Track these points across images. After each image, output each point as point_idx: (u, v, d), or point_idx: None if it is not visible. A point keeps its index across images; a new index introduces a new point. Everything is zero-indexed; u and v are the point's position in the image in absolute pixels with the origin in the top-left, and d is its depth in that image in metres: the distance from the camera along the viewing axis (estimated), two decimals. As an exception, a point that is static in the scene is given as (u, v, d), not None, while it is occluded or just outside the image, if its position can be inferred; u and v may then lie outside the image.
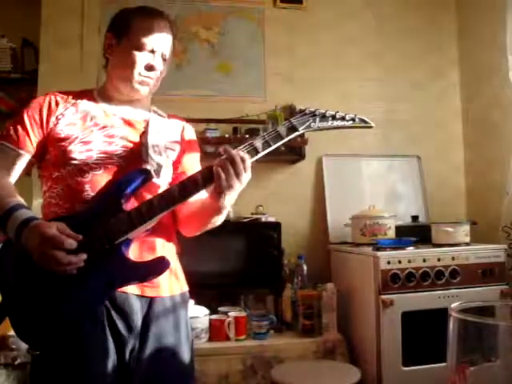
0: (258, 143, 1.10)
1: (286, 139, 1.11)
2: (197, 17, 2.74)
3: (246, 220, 2.46)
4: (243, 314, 2.20)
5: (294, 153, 2.62)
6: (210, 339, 2.14)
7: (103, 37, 1.30)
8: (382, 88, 2.89)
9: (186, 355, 1.23)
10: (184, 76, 2.67)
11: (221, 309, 2.28)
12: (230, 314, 2.18)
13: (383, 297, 2.06)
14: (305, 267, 2.34)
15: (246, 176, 1.07)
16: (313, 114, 1.13)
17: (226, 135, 2.54)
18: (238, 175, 1.05)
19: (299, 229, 2.69)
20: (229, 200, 1.11)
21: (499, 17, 2.55)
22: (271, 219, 2.49)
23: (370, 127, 1.16)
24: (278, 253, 2.38)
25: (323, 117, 1.13)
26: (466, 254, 2.19)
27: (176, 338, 1.21)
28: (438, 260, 2.15)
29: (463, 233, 2.29)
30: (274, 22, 2.81)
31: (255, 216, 2.49)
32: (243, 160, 1.06)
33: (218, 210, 1.16)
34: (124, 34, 1.23)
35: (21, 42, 2.58)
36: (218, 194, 1.08)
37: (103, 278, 1.08)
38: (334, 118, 1.13)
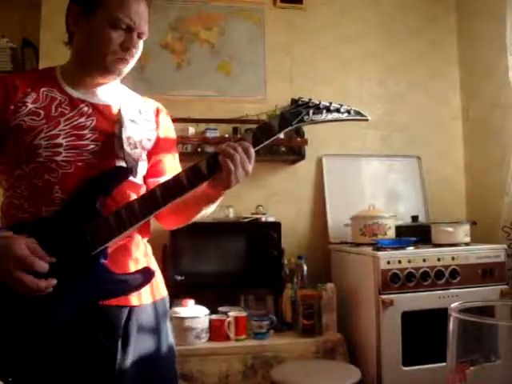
0: (249, 139, 1.01)
1: (278, 134, 1.02)
2: (197, 17, 2.73)
3: (246, 220, 2.46)
4: (243, 313, 2.20)
5: (294, 153, 2.62)
6: (210, 339, 2.14)
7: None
8: (381, 88, 2.89)
9: (166, 365, 1.14)
10: (184, 76, 2.67)
11: (221, 309, 2.28)
12: (229, 313, 2.18)
13: (383, 297, 2.06)
14: (305, 267, 2.34)
15: (251, 167, 0.99)
16: (306, 106, 1.02)
17: (226, 135, 2.54)
18: (243, 165, 0.97)
19: (299, 229, 2.69)
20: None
21: (499, 17, 2.56)
22: (271, 219, 2.49)
23: (366, 120, 1.08)
24: (278, 253, 2.38)
25: (317, 108, 1.02)
26: (465, 254, 2.19)
27: (154, 346, 1.11)
28: (438, 260, 2.15)
29: (463, 233, 2.29)
30: (274, 22, 2.81)
31: (255, 216, 2.49)
32: (246, 149, 0.98)
33: (214, 200, 1.06)
34: (95, 7, 1.04)
35: (21, 42, 2.58)
36: (224, 186, 0.99)
37: (81, 294, 0.97)
38: (328, 109, 1.03)
